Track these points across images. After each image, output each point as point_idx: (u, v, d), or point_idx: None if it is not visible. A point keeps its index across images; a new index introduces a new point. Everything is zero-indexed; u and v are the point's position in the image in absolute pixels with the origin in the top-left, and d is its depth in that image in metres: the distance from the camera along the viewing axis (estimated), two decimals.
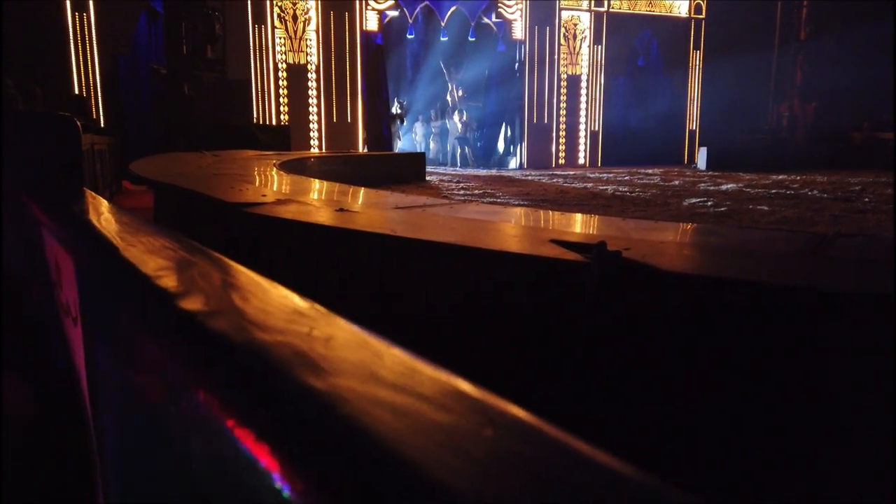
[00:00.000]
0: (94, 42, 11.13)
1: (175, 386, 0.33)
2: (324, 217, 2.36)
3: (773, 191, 8.22)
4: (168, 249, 0.55)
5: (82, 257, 0.67)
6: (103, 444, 0.64)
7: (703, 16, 16.56)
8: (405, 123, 17.02)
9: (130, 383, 0.46)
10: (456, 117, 16.96)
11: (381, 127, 14.52)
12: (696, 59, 16.72)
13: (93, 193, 1.06)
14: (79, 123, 1.10)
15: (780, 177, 10.55)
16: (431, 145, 17.56)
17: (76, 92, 10.85)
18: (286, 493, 0.22)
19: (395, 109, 16.31)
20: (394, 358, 0.29)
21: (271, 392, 0.25)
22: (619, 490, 0.19)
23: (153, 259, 0.50)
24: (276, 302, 0.40)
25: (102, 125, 10.15)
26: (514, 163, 15.83)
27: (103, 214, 0.80)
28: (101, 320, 0.58)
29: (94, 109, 10.74)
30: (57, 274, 0.83)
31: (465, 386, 0.26)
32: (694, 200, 7.10)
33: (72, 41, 10.96)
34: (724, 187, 8.90)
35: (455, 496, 0.18)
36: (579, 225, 2.62)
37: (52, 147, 1.03)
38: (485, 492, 0.19)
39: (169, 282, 0.43)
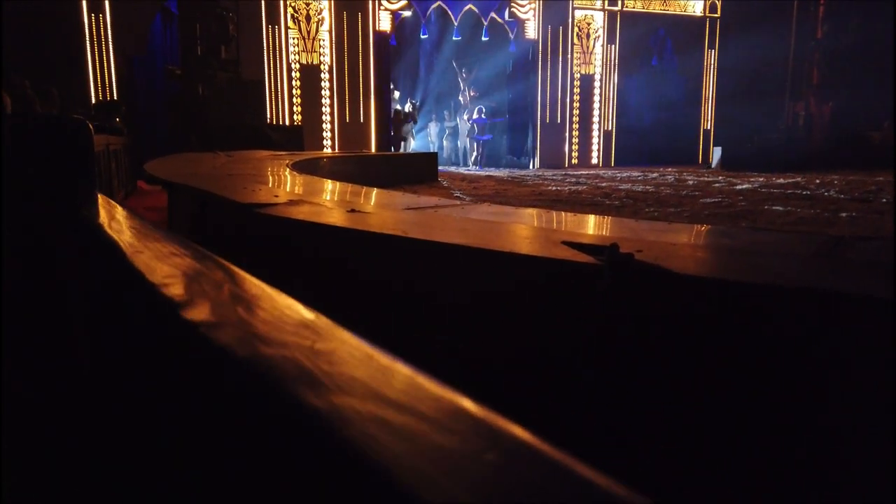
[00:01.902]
0: (110, 43, 11.23)
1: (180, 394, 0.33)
2: (336, 218, 2.36)
3: (789, 191, 8.14)
4: (176, 256, 0.55)
5: (92, 262, 0.67)
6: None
7: (717, 15, 16.43)
8: (418, 123, 17.02)
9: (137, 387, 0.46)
10: (468, 117, 16.93)
11: (388, 127, 14.58)
12: (711, 58, 16.59)
13: (106, 198, 1.06)
14: (91, 126, 1.11)
15: (796, 177, 10.44)
16: (444, 144, 17.56)
17: (92, 92, 10.96)
18: None
19: (408, 109, 16.31)
20: (397, 375, 0.29)
21: (274, 412, 0.25)
22: None
23: (161, 266, 0.50)
24: (281, 313, 0.39)
25: (117, 125, 10.24)
26: (526, 162, 15.79)
27: (114, 219, 0.81)
28: (109, 324, 0.58)
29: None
30: (67, 277, 0.84)
31: (468, 405, 0.26)
32: (708, 200, 7.04)
33: (88, 42, 11.06)
34: (738, 187, 8.82)
35: None
36: (591, 226, 2.60)
37: (64, 151, 1.03)
38: None
39: (175, 290, 0.43)
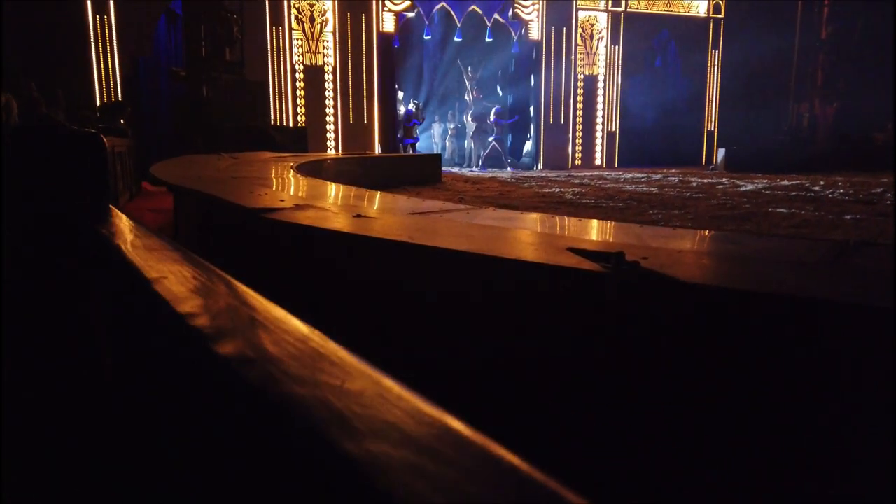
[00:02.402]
0: (115, 44, 11.27)
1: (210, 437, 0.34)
2: (341, 223, 2.37)
3: (793, 193, 8.13)
4: (195, 280, 0.56)
5: (110, 285, 0.68)
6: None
7: (721, 15, 16.41)
8: (421, 123, 17.01)
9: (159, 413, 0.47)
10: (471, 117, 16.91)
11: (393, 128, 14.60)
12: (715, 59, 16.57)
13: (118, 212, 1.07)
14: (105, 140, 1.12)
15: (801, 178, 10.43)
16: (448, 145, 17.56)
17: (96, 94, 11.00)
18: None
19: (411, 109, 16.32)
20: (426, 417, 0.30)
21: (316, 459, 0.26)
22: None
23: (184, 292, 0.51)
24: (305, 346, 0.40)
25: (122, 127, 10.27)
26: (529, 163, 15.79)
27: (128, 237, 0.82)
28: (128, 347, 0.59)
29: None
30: (82, 296, 0.85)
31: (496, 449, 0.27)
32: (713, 202, 7.04)
33: (92, 43, 11.10)
34: (742, 189, 8.82)
35: None
36: (596, 232, 2.61)
37: (77, 164, 1.04)
38: None
39: (202, 321, 0.44)
